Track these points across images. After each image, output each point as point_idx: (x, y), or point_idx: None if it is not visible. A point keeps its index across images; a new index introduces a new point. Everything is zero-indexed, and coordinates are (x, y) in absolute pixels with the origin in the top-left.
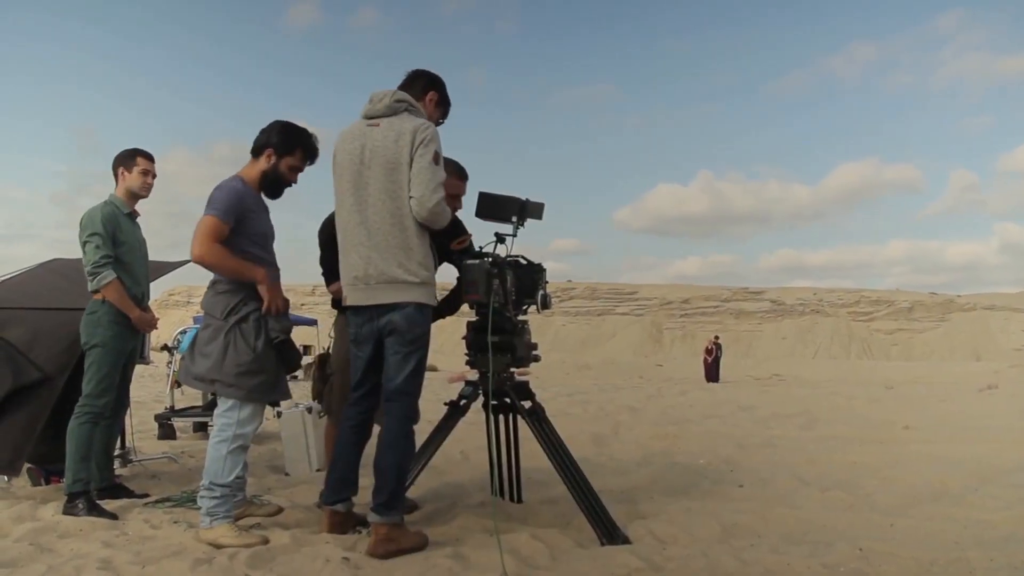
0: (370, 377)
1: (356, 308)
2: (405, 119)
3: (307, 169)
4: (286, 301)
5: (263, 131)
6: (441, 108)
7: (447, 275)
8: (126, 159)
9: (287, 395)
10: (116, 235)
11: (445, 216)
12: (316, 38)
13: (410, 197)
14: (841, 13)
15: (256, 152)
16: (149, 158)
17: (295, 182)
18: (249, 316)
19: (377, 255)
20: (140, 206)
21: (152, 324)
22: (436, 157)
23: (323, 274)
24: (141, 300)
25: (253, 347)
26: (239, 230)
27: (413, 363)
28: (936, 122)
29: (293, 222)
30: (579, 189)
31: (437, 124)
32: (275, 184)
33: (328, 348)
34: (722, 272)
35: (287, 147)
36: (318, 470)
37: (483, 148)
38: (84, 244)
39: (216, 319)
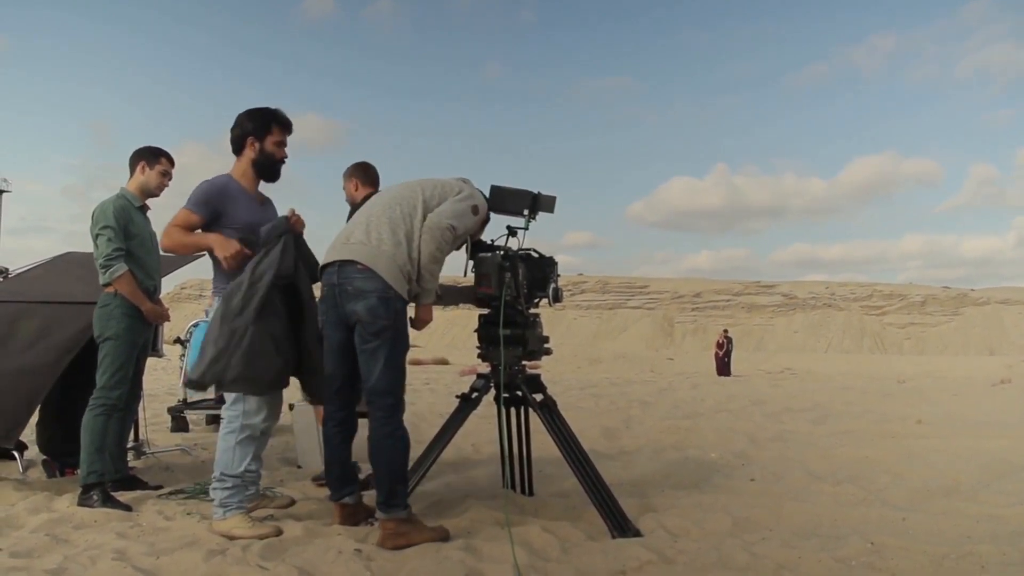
0: (340, 370)
1: (322, 296)
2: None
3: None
4: (238, 252)
5: (234, 127)
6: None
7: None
8: (150, 156)
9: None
10: (128, 228)
11: (439, 245)
12: (328, 31)
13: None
14: (862, 3)
15: (238, 147)
16: (172, 162)
17: (286, 156)
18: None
19: (360, 229)
20: (150, 201)
21: (164, 317)
22: (474, 209)
23: None
24: (153, 293)
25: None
26: (221, 221)
27: (383, 358)
28: (957, 115)
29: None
30: (593, 182)
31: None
32: (270, 166)
33: None
34: (735, 266)
35: (263, 128)
36: None
37: (497, 141)
38: (96, 237)
39: None
